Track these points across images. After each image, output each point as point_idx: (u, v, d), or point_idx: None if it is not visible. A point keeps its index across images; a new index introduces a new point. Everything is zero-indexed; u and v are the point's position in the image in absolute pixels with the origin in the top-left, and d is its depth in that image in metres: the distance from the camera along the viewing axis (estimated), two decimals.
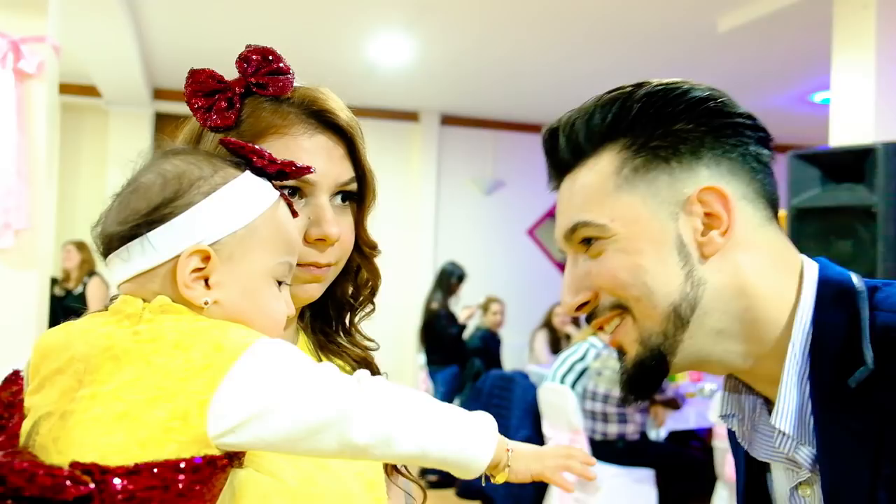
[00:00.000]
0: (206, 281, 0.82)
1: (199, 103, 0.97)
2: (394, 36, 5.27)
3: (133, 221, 0.82)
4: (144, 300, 0.81)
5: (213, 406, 0.74)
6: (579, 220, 0.92)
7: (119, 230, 0.82)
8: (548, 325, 6.71)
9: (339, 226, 1.00)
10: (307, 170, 0.90)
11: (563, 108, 0.93)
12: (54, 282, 5.60)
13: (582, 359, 5.37)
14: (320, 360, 1.08)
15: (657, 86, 0.91)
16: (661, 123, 0.90)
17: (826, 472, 0.86)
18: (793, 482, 0.92)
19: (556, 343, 6.56)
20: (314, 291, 1.02)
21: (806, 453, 0.88)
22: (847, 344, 0.84)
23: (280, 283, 0.88)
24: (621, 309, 0.91)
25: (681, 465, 4.88)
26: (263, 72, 0.98)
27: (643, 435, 4.85)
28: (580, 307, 0.95)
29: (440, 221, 7.71)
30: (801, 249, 0.91)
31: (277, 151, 0.94)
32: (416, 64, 5.90)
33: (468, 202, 8.02)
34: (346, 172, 1.02)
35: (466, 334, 6.31)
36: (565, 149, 0.95)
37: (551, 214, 7.84)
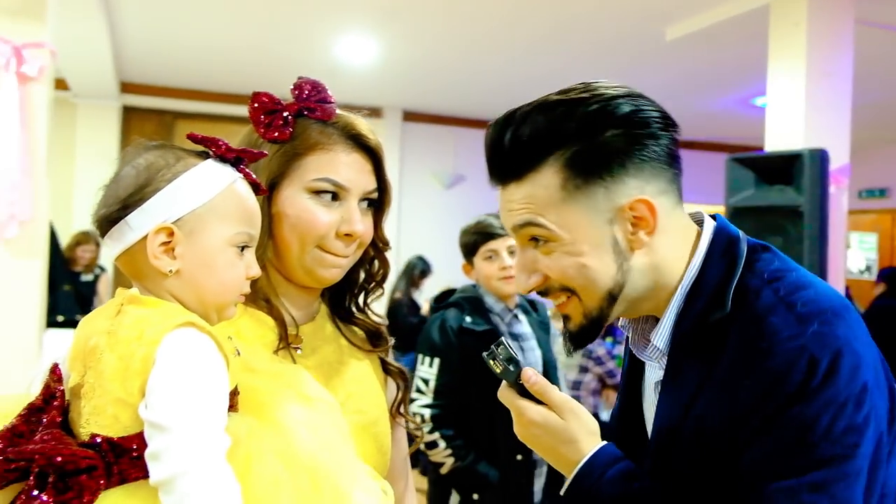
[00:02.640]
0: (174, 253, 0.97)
1: (262, 119, 1.20)
2: (360, 37, 5.49)
3: (115, 207, 0.96)
4: (130, 285, 1.00)
5: (146, 396, 0.88)
6: (530, 220, 1.08)
7: (106, 214, 0.97)
8: None
9: (363, 224, 1.24)
10: (262, 154, 1.05)
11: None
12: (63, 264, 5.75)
13: None
14: (337, 329, 1.32)
15: (586, 98, 1.05)
16: (593, 135, 1.04)
17: (666, 382, 1.11)
18: (656, 379, 1.16)
19: None
20: (336, 275, 1.24)
21: (664, 363, 1.12)
22: (718, 290, 1.06)
23: (243, 248, 1.01)
24: (569, 291, 1.11)
25: None
26: (314, 99, 1.23)
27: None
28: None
29: (402, 214, 7.88)
30: None
31: (323, 163, 1.20)
32: (381, 63, 6.12)
33: (429, 195, 8.22)
34: (371, 183, 1.26)
35: None
36: (510, 160, 1.08)
37: None
